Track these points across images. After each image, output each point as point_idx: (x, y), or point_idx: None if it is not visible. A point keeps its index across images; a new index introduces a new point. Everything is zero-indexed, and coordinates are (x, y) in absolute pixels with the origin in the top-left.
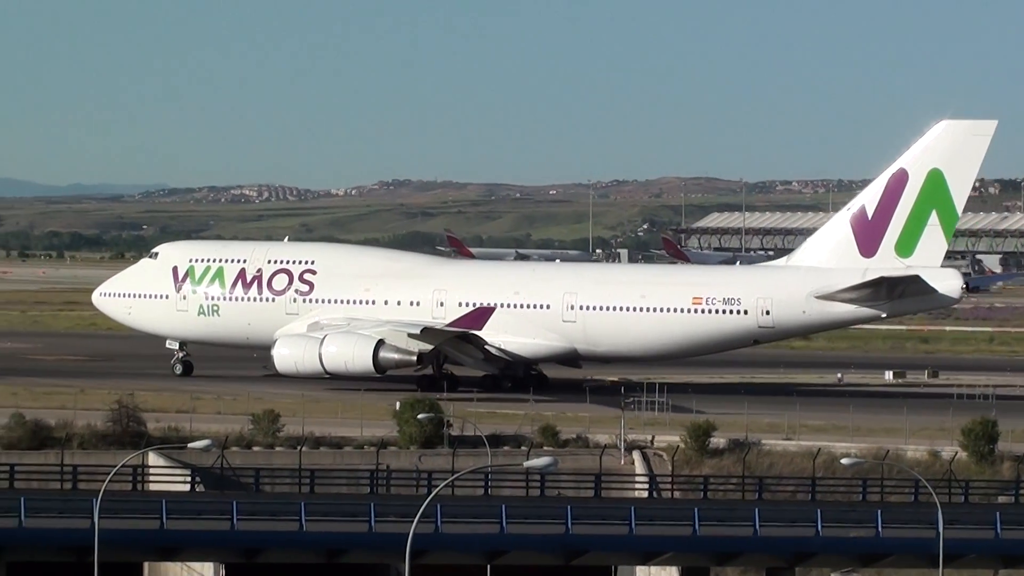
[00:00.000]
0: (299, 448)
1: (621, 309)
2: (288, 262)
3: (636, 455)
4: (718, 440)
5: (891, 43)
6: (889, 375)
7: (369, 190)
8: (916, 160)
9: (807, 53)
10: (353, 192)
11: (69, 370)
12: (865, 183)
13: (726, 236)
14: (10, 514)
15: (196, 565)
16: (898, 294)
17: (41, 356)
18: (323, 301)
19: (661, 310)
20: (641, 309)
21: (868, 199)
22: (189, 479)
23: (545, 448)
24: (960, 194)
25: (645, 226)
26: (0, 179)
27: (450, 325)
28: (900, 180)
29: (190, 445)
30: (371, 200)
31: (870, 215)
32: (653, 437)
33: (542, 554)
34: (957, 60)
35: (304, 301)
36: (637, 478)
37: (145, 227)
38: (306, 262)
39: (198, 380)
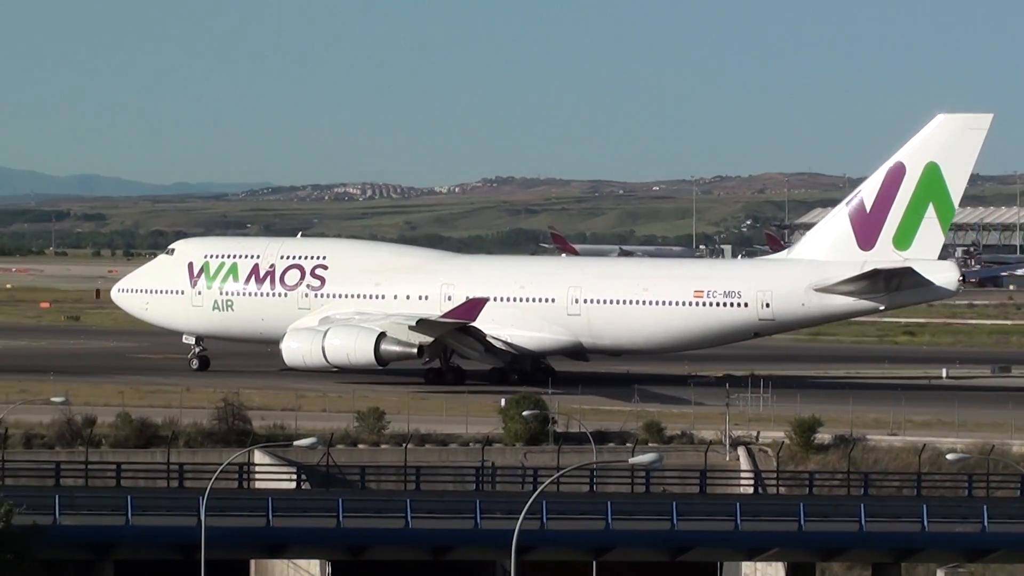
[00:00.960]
0: (404, 445)
1: (624, 302)
2: (300, 257)
3: (741, 451)
4: (823, 436)
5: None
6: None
7: (472, 187)
8: (913, 154)
9: (910, 48)
10: (456, 190)
11: (175, 368)
12: (976, 177)
13: None
14: (118, 512)
15: (302, 563)
16: (895, 286)
17: (147, 355)
18: (334, 296)
19: (663, 303)
20: (643, 302)
21: (867, 193)
22: (295, 477)
23: (650, 444)
24: (956, 187)
25: (748, 222)
26: (107, 178)
27: (444, 317)
28: (897, 174)
29: (296, 443)
30: (474, 198)
31: (868, 208)
32: (758, 433)
33: (647, 550)
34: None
35: (316, 296)
36: (742, 474)
37: (249, 225)
38: (318, 257)
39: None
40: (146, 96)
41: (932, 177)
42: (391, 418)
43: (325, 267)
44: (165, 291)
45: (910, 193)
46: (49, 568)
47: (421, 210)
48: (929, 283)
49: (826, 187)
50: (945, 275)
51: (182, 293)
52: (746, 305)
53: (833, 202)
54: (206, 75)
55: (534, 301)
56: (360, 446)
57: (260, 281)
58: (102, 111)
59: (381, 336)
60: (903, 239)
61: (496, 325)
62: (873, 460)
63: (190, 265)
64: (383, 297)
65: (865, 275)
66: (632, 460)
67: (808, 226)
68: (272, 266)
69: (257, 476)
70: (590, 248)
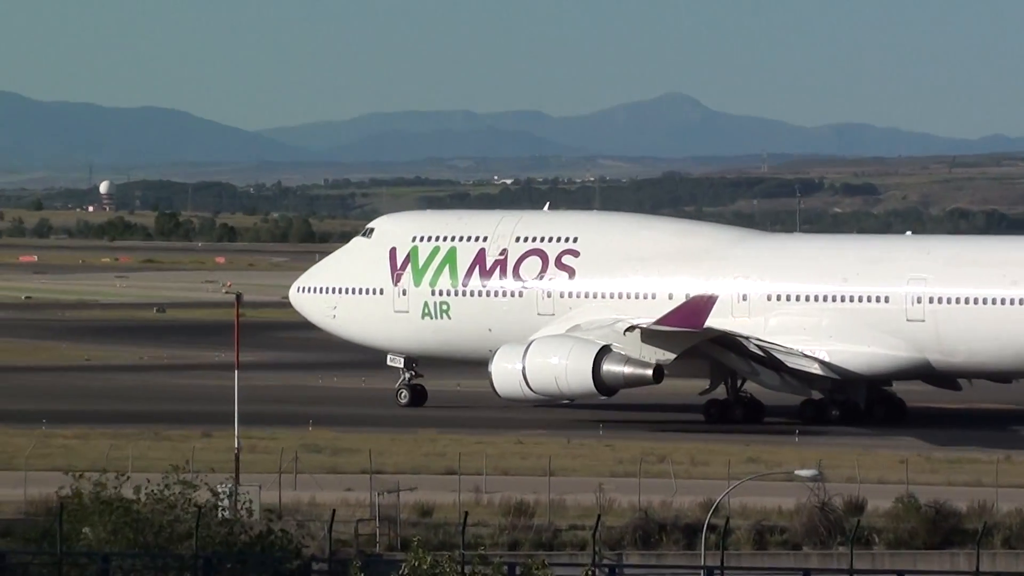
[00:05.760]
0: None
1: (986, 302)
2: (543, 240)
3: None
4: None
5: None
6: None
7: None
8: None
9: None
10: None
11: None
12: None
13: None
14: None
15: None
16: None
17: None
18: (586, 295)
19: None
20: (1014, 301)
21: None
22: None
23: None
24: None
25: None
26: (880, 129)
27: (658, 322)
28: None
29: None
30: None
31: None
32: None
33: None
34: None
35: (562, 295)
36: None
37: None
38: (566, 239)
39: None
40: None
41: None
42: None
43: (575, 253)
44: (358, 290)
45: None
46: None
47: None
48: None
49: None
50: None
51: (381, 293)
52: None
53: None
54: None
55: (860, 300)
56: None
57: (486, 274)
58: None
59: (603, 352)
60: None
61: (807, 337)
62: None
63: (392, 252)
64: (654, 297)
65: None
66: None
67: None
68: (504, 252)
69: None
70: None
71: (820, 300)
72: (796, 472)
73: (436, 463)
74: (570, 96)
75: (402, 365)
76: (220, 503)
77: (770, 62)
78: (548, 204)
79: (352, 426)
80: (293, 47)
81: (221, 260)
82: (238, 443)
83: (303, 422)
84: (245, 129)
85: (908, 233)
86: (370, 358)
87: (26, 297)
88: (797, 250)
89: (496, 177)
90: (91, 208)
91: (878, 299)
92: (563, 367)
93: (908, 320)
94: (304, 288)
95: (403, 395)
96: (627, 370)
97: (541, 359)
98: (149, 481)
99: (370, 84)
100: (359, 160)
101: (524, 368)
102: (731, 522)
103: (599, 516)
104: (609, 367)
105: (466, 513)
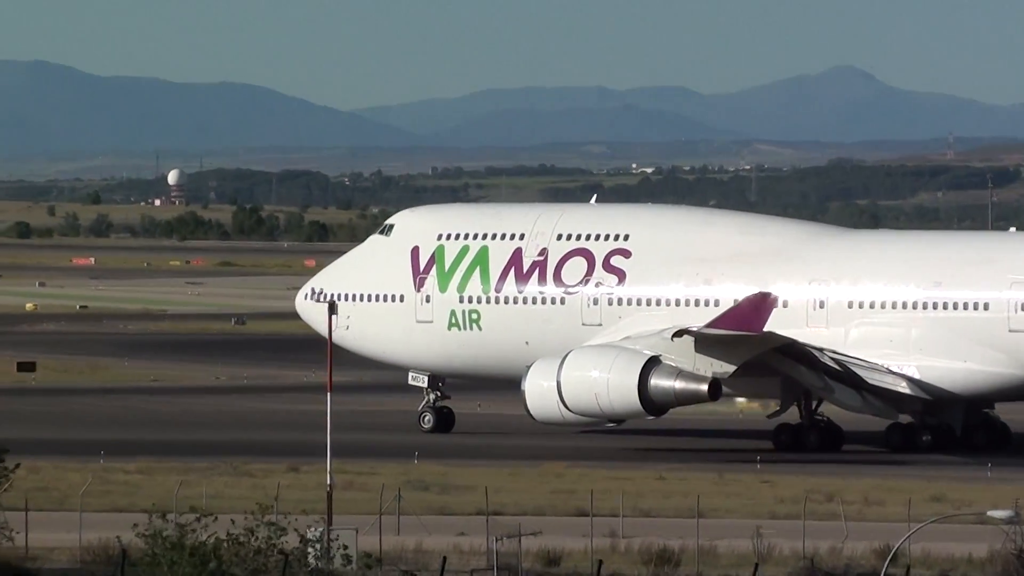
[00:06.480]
0: None
1: None
2: (588, 238)
3: None
4: None
5: None
6: None
7: None
8: None
9: None
10: None
11: None
12: None
13: None
14: None
15: None
16: None
17: None
18: (639, 302)
19: None
20: None
21: None
22: None
23: None
24: None
25: None
26: None
27: (710, 325)
28: None
29: None
30: None
31: None
32: None
33: None
34: None
35: (611, 301)
36: None
37: None
38: (616, 237)
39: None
40: None
41: None
42: None
43: (626, 253)
44: (375, 297)
45: None
46: None
47: None
48: None
49: None
50: None
51: (402, 300)
52: None
53: None
54: None
55: (955, 308)
56: None
57: (523, 278)
58: None
59: (651, 364)
60: None
61: (894, 350)
62: None
63: (415, 252)
64: (716, 303)
65: None
66: None
67: None
68: (543, 252)
69: None
70: None
71: (909, 307)
72: (989, 513)
73: (564, 502)
74: (722, 70)
75: (426, 384)
76: (310, 550)
77: (956, 29)
78: (595, 197)
79: (465, 458)
80: (394, 12)
81: (311, 263)
82: (331, 479)
83: (408, 454)
84: (338, 109)
85: (1012, 229)
86: (484, 381)
87: (81, 306)
88: (882, 250)
89: (635, 165)
90: (158, 202)
91: (976, 306)
92: (604, 382)
93: (1011, 331)
94: (311, 294)
95: (427, 419)
96: (679, 385)
97: (579, 373)
98: (235, 523)
99: (486, 55)
100: (473, 145)
101: (559, 383)
102: (912, 571)
103: (757, 564)
104: (658, 381)
105: (600, 561)
